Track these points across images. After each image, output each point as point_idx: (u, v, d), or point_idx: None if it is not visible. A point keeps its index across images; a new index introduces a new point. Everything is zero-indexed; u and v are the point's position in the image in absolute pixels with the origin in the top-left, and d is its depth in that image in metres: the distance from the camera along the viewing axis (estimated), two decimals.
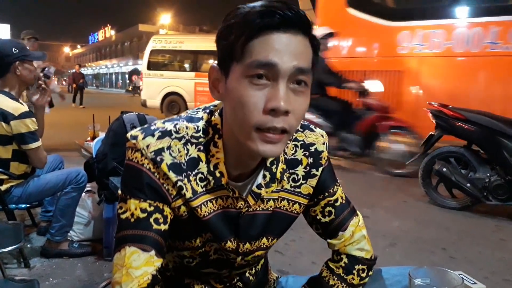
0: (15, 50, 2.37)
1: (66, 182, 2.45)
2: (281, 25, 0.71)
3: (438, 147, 3.91)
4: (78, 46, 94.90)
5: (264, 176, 0.89)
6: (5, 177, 2.32)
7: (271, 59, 0.71)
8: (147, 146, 0.81)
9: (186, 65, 12.68)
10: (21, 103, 2.31)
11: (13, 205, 2.40)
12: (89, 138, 3.90)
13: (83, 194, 2.63)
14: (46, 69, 5.34)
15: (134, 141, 0.82)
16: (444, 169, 3.65)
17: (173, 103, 11.76)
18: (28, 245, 2.66)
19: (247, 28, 0.71)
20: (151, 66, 11.96)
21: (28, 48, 5.62)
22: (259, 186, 0.88)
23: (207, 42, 11.60)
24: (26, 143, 2.29)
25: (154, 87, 11.78)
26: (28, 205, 2.52)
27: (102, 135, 2.94)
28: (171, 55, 12.69)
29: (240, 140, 0.77)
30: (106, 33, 69.01)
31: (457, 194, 3.82)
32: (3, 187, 2.33)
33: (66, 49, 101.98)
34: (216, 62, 0.80)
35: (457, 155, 3.72)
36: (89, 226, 2.75)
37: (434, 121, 3.81)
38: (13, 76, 2.38)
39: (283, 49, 0.71)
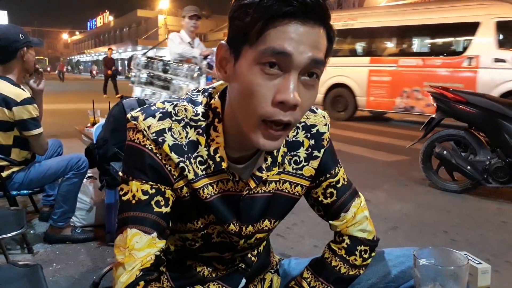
0: (21, 36, 2.35)
1: (67, 168, 2.45)
2: (300, 13, 0.68)
3: (438, 130, 3.90)
4: (77, 33, 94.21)
5: (266, 159, 0.88)
6: (6, 163, 2.33)
7: (286, 48, 0.68)
8: (149, 127, 0.80)
9: (359, 49, 9.83)
10: (23, 89, 2.30)
11: (15, 192, 2.41)
12: (89, 124, 3.88)
13: (85, 180, 2.63)
14: (209, 57, 4.81)
15: (135, 122, 0.81)
16: (445, 152, 3.64)
17: (338, 97, 9.43)
18: (31, 231, 2.68)
19: (265, 14, 0.68)
20: None
21: (191, 26, 4.64)
22: (260, 170, 0.87)
23: (386, 17, 9.14)
24: (28, 130, 2.29)
25: None
26: (30, 191, 2.53)
27: (102, 121, 2.93)
28: (338, 37, 11.22)
29: (242, 128, 0.76)
30: (105, 19, 68.52)
31: (457, 177, 3.83)
32: (5, 174, 2.33)
33: (65, 36, 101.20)
34: (225, 40, 0.77)
35: (458, 138, 3.71)
36: (91, 212, 2.76)
37: (435, 104, 3.79)
38: (17, 62, 2.37)
39: (300, 39, 0.69)
